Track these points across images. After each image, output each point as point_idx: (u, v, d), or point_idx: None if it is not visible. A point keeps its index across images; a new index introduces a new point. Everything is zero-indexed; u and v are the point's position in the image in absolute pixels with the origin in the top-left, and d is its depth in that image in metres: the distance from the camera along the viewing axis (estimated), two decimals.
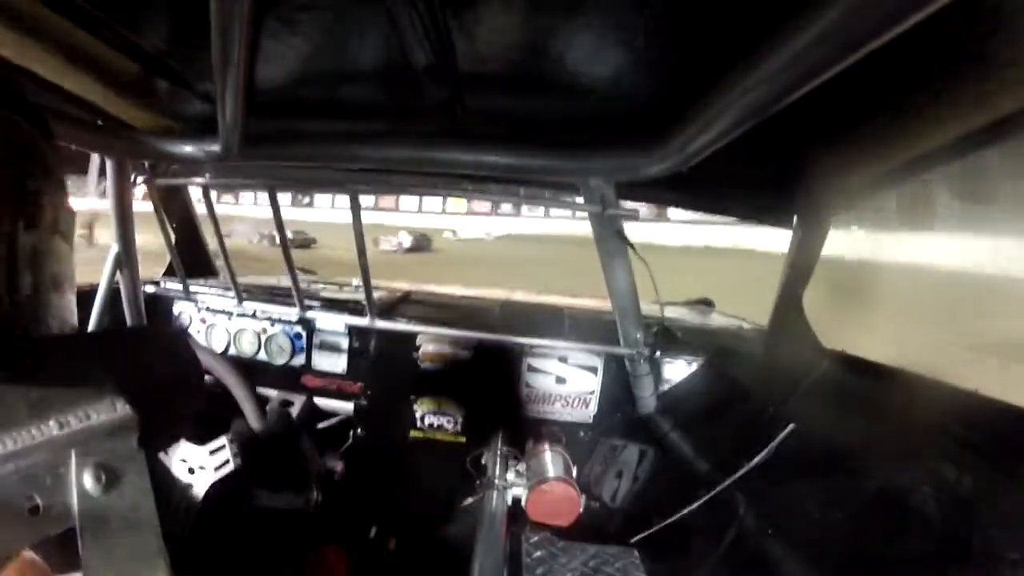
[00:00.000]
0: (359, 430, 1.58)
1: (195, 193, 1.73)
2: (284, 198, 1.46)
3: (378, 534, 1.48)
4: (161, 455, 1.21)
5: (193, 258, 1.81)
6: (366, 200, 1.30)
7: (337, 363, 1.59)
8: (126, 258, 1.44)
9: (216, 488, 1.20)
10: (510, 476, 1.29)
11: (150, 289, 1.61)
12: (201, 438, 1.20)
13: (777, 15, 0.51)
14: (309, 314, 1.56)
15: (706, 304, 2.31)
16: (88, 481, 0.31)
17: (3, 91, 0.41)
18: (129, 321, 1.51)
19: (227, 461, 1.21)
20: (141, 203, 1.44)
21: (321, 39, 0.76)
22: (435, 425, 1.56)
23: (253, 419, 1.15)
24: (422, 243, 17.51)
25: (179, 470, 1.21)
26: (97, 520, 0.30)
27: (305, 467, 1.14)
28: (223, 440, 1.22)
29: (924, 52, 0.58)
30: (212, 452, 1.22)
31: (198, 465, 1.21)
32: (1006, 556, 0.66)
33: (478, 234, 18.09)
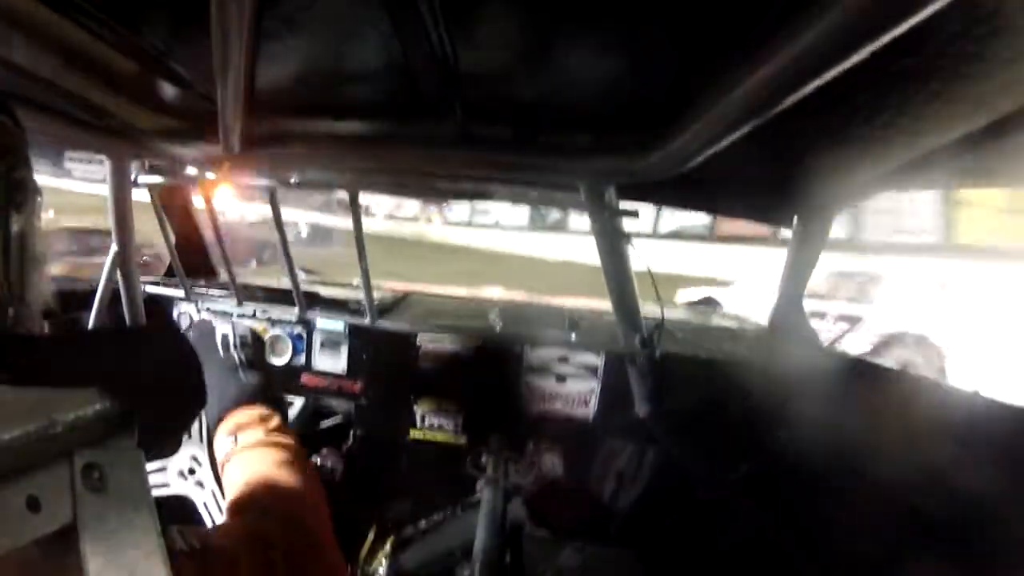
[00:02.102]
0: (359, 430, 1.58)
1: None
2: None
3: (378, 534, 1.48)
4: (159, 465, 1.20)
5: (193, 258, 1.81)
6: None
7: (337, 363, 1.59)
8: (126, 258, 1.44)
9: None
10: (510, 476, 1.29)
11: (150, 289, 1.61)
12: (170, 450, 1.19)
13: (777, 15, 0.51)
14: (309, 314, 1.56)
15: (707, 304, 2.30)
16: (86, 480, 0.31)
17: None
18: (128, 321, 1.52)
19: (202, 420, 1.19)
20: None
21: (321, 39, 0.76)
22: (435, 425, 1.56)
23: None
24: (321, 235, 18.99)
25: (178, 479, 1.20)
26: (96, 518, 0.30)
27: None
28: (201, 417, 1.20)
29: (924, 52, 0.58)
30: (188, 435, 1.20)
31: (191, 457, 1.20)
32: (1006, 557, 0.66)
33: None
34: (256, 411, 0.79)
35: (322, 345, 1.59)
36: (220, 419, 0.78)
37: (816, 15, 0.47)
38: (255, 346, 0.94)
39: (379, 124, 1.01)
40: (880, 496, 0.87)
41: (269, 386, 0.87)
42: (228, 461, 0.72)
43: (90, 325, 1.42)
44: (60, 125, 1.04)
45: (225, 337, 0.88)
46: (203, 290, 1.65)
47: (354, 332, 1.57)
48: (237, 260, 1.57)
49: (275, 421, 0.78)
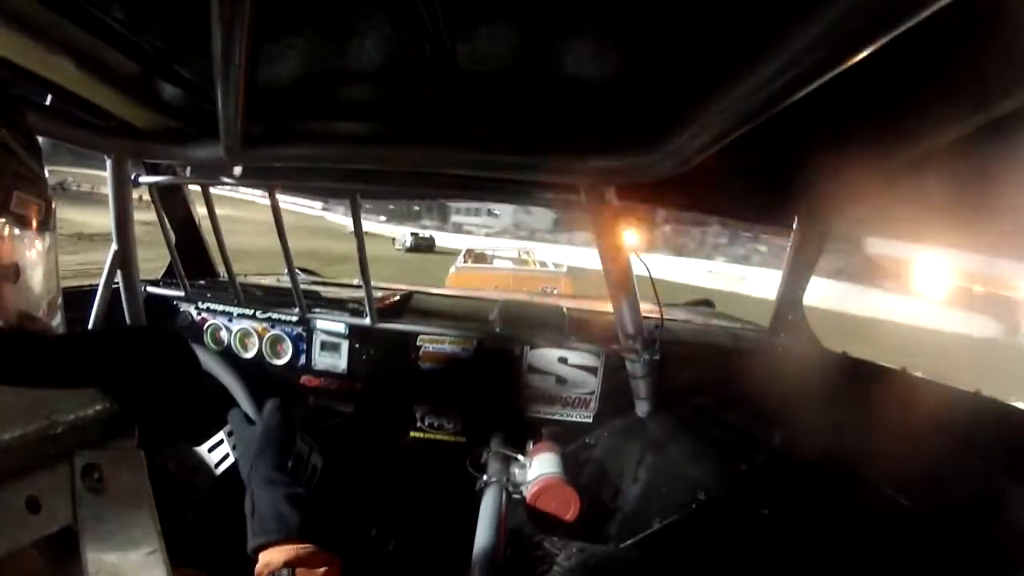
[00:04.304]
0: (359, 430, 1.58)
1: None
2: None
3: (378, 534, 1.48)
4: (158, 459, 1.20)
5: (193, 258, 1.81)
6: None
7: (337, 363, 1.59)
8: (126, 258, 1.44)
9: (219, 484, 1.19)
10: (510, 476, 1.29)
11: (150, 289, 1.61)
12: (196, 438, 1.19)
13: (778, 16, 0.51)
14: (309, 315, 1.56)
15: (706, 305, 2.31)
16: (86, 480, 0.31)
17: None
18: (128, 321, 1.51)
19: (227, 456, 1.20)
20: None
21: (321, 39, 0.76)
22: (435, 425, 1.56)
23: (250, 412, 1.14)
24: (421, 244, 23.06)
25: (179, 473, 1.20)
26: (95, 519, 0.30)
27: (302, 460, 1.13)
28: (221, 435, 1.21)
29: (924, 52, 0.58)
30: (211, 449, 1.21)
31: (200, 462, 1.21)
32: (1008, 556, 0.66)
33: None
34: (318, 553, 0.74)
35: (322, 345, 1.59)
36: (273, 543, 0.74)
37: (816, 16, 0.47)
38: (320, 477, 0.93)
39: (379, 124, 1.01)
40: (880, 495, 0.87)
41: (324, 525, 0.84)
42: None
43: (90, 326, 1.42)
44: (61, 125, 1.04)
45: (299, 459, 0.87)
46: (203, 291, 1.65)
47: (354, 332, 1.57)
48: None
49: (338, 570, 0.74)
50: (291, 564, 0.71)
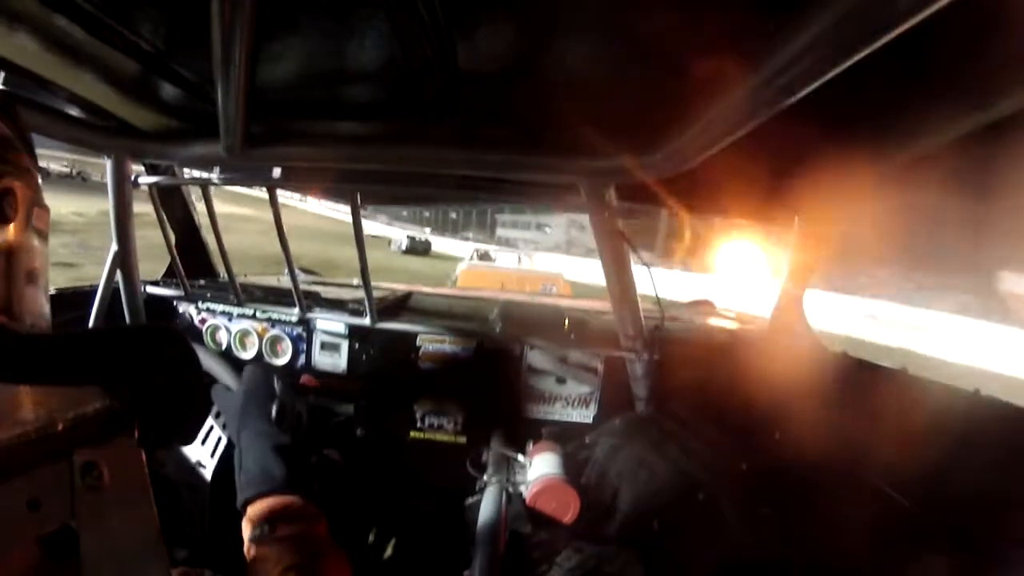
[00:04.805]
0: (359, 430, 1.58)
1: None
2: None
3: (378, 535, 1.48)
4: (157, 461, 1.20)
5: (193, 258, 1.81)
6: None
7: (337, 363, 1.59)
8: (125, 258, 1.44)
9: (219, 475, 1.18)
10: (510, 476, 1.29)
11: (150, 289, 1.61)
12: (195, 437, 1.18)
13: (778, 16, 0.51)
14: (309, 315, 1.56)
15: (706, 304, 2.31)
16: (86, 478, 0.31)
17: None
18: (128, 321, 1.51)
19: (220, 440, 1.19)
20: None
21: (321, 39, 0.76)
22: (435, 425, 1.56)
23: (232, 384, 1.12)
24: (417, 246, 23.79)
25: (178, 473, 1.20)
26: (95, 517, 0.30)
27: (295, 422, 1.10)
28: (210, 421, 1.19)
29: (924, 52, 0.58)
30: (203, 440, 1.19)
31: (196, 461, 1.20)
32: (1008, 555, 0.66)
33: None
34: (303, 505, 0.73)
35: (322, 345, 1.60)
36: (258, 496, 0.73)
37: (816, 16, 0.48)
38: (309, 430, 0.91)
39: (379, 124, 1.01)
40: (880, 495, 0.87)
41: (311, 479, 0.82)
42: (262, 545, 0.67)
43: (90, 325, 1.42)
44: (61, 125, 1.04)
45: (282, 408, 0.87)
46: (203, 291, 1.65)
47: (354, 332, 1.57)
48: None
49: (322, 524, 0.73)
50: (273, 518, 0.69)
